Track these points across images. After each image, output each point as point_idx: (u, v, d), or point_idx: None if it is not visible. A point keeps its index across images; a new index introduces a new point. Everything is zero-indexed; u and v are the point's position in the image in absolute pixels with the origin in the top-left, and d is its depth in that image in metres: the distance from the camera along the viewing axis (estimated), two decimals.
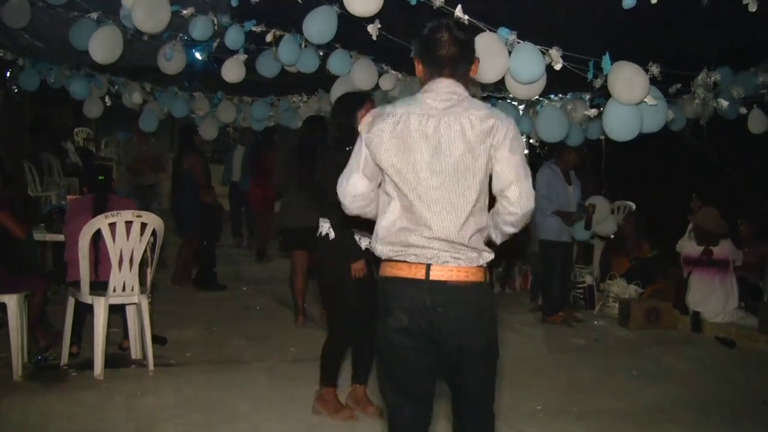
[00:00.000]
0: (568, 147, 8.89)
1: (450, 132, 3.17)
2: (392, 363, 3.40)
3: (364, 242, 5.30)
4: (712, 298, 8.87)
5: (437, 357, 3.35)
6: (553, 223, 8.97)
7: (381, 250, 3.34)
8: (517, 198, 3.17)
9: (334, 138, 5.44)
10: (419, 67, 3.41)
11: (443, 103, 3.24)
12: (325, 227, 5.40)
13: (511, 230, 3.29)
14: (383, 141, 3.21)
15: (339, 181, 3.40)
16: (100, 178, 6.76)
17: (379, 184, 3.36)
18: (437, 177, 3.18)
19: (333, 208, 5.23)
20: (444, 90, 3.28)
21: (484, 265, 3.31)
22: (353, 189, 3.34)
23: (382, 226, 3.32)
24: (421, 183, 3.19)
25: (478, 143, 3.15)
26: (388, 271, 3.34)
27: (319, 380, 5.61)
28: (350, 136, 5.08)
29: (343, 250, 5.34)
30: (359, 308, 5.42)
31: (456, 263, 3.24)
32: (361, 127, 3.33)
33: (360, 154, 3.31)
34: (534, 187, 3.31)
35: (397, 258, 3.29)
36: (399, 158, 3.20)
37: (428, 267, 3.23)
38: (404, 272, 3.28)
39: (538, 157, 11.68)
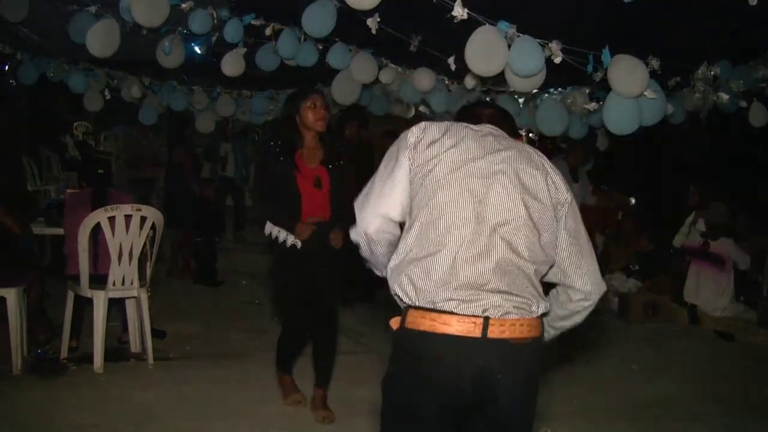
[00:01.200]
0: (581, 143, 8.83)
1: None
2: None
3: (290, 239, 5.34)
4: (704, 291, 8.89)
5: (469, 420, 2.78)
6: None
7: (410, 295, 2.74)
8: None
9: (278, 133, 5.52)
10: None
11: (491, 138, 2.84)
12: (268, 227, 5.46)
13: None
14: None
15: (362, 203, 2.88)
16: (99, 171, 6.76)
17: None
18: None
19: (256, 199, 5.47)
20: (487, 128, 2.90)
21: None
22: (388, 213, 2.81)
23: (411, 262, 2.73)
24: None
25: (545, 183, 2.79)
26: (426, 324, 2.67)
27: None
28: (290, 131, 5.40)
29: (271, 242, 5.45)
30: (314, 304, 5.49)
31: (518, 314, 2.67)
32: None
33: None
34: None
35: (440, 308, 2.65)
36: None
37: (486, 321, 2.62)
38: (452, 328, 2.62)
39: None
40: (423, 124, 2.85)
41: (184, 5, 6.73)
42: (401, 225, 2.84)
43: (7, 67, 9.25)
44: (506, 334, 2.64)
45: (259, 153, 5.49)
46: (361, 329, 8.07)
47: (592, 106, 7.13)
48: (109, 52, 7.01)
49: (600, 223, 10.29)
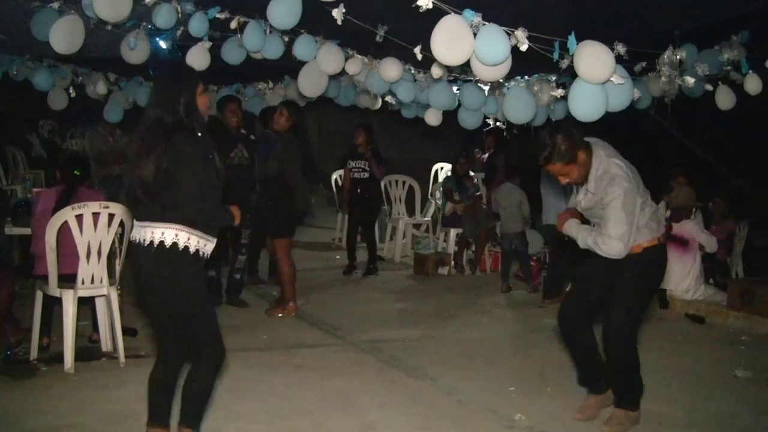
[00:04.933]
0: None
1: None
2: None
3: (209, 247, 4.41)
4: (670, 274, 8.92)
5: None
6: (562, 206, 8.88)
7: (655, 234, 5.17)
8: None
9: (184, 123, 4.30)
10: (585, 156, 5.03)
11: None
12: (171, 235, 4.24)
13: None
14: None
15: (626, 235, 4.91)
16: (75, 172, 6.70)
17: None
18: None
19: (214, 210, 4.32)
20: None
21: None
22: None
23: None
24: None
25: None
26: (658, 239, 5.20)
27: (148, 419, 4.68)
28: (198, 119, 4.39)
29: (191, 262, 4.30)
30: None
31: None
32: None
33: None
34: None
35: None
36: None
37: None
38: None
39: (505, 140, 11.66)
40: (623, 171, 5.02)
41: (147, 0, 6.68)
42: None
43: None
44: None
45: (198, 149, 4.26)
46: (337, 322, 8.08)
47: (559, 92, 7.15)
48: (74, 49, 6.96)
49: None
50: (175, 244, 4.22)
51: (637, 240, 5.03)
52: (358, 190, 10.98)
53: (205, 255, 4.40)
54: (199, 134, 4.32)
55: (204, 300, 4.51)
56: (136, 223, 4.38)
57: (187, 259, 4.27)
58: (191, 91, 4.38)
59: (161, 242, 4.22)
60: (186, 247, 4.24)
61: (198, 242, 4.30)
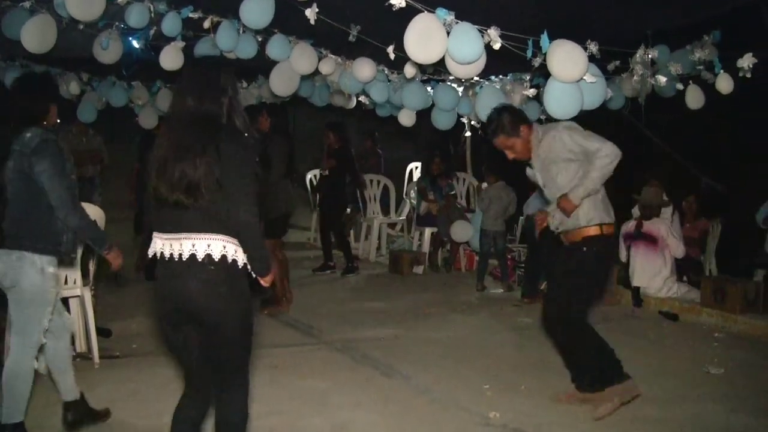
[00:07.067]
0: None
1: None
2: None
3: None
4: (642, 272, 8.99)
5: None
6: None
7: (611, 218, 5.65)
8: None
9: (233, 120, 3.73)
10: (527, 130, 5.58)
11: None
12: (219, 247, 3.61)
13: None
14: None
15: None
16: None
17: None
18: None
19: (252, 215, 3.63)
20: None
21: None
22: None
23: None
24: None
25: None
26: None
27: None
28: (245, 116, 3.83)
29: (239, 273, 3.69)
30: None
31: None
32: None
33: None
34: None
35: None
36: None
37: None
38: None
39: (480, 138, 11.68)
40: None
41: None
42: None
43: None
44: None
45: (247, 150, 3.64)
46: (311, 321, 8.07)
47: (531, 92, 7.18)
48: (46, 48, 6.91)
49: None
50: (224, 257, 3.60)
51: (594, 219, 5.50)
52: (323, 189, 11.44)
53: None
54: (246, 135, 3.72)
55: (252, 323, 3.86)
56: (162, 235, 3.71)
57: (239, 275, 3.69)
58: (234, 85, 3.82)
59: (208, 255, 3.59)
60: (234, 260, 3.63)
61: (245, 255, 3.69)
